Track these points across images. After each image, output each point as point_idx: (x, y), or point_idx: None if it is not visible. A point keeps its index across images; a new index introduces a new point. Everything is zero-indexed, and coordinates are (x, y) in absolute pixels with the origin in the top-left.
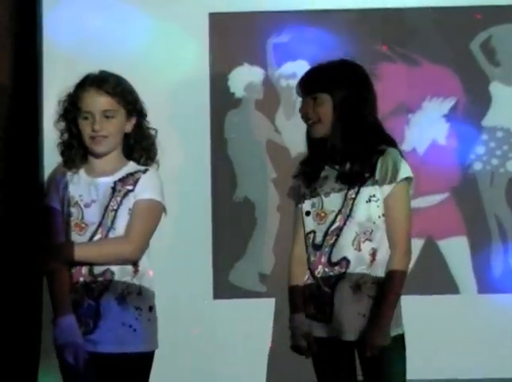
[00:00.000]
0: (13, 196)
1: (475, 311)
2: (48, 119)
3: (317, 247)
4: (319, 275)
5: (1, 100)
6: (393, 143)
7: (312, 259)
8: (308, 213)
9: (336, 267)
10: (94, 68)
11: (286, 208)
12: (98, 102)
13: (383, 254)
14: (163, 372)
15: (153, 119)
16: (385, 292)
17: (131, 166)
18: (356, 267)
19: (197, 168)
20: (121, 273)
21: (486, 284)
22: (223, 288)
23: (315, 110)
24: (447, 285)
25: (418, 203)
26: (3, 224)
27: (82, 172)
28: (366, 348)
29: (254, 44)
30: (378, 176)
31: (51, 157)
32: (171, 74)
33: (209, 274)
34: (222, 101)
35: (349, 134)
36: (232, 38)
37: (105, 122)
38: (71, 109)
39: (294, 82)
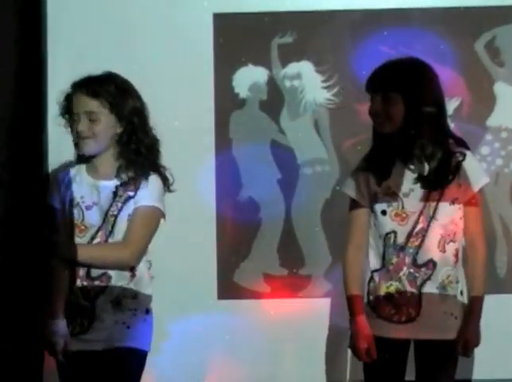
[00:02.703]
0: (17, 194)
1: None
2: (52, 119)
3: (400, 248)
4: (404, 277)
5: (5, 101)
6: (466, 145)
7: (394, 260)
8: (384, 212)
9: (423, 269)
10: (97, 69)
11: (290, 208)
12: (82, 103)
13: (462, 252)
14: (167, 371)
15: (158, 120)
16: (472, 312)
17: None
18: (442, 268)
19: (202, 168)
20: (118, 277)
21: (490, 284)
22: (228, 288)
23: (385, 108)
24: None
25: None
26: (7, 222)
27: (84, 173)
28: (465, 349)
29: (258, 44)
30: (462, 180)
31: (55, 157)
32: (175, 74)
33: (213, 274)
34: (226, 102)
35: (419, 133)
36: (236, 39)
37: (89, 123)
38: (65, 110)
39: (298, 82)
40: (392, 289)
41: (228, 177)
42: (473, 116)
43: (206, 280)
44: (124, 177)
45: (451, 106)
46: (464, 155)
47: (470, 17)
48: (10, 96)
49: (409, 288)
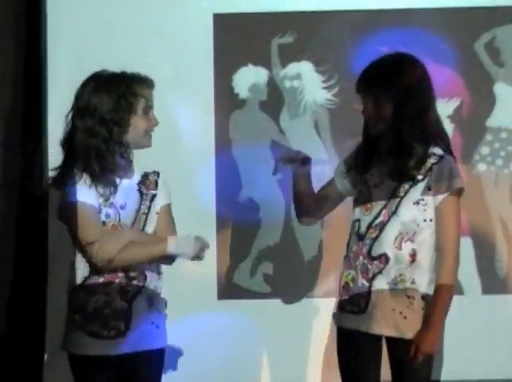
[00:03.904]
0: (15, 196)
1: (479, 312)
2: (52, 118)
3: (360, 238)
4: (358, 267)
5: (6, 102)
6: (448, 147)
7: (355, 248)
8: (356, 200)
9: (375, 262)
10: (97, 69)
11: (290, 208)
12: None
13: (422, 257)
14: (167, 371)
15: (158, 120)
16: (435, 304)
17: (134, 166)
18: (394, 265)
19: (202, 169)
20: (151, 276)
21: (490, 285)
22: (228, 288)
23: (376, 110)
24: None
25: None
26: (7, 222)
27: (107, 171)
28: (414, 353)
29: (258, 44)
30: (432, 182)
31: (56, 156)
32: (175, 74)
33: (213, 275)
34: (226, 102)
35: (407, 130)
36: (236, 39)
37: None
38: None
39: (298, 83)
40: (349, 278)
41: (228, 177)
42: (473, 116)
43: (206, 280)
44: (137, 174)
45: (451, 106)
46: (440, 157)
47: (470, 17)
48: (10, 96)
49: (361, 279)
